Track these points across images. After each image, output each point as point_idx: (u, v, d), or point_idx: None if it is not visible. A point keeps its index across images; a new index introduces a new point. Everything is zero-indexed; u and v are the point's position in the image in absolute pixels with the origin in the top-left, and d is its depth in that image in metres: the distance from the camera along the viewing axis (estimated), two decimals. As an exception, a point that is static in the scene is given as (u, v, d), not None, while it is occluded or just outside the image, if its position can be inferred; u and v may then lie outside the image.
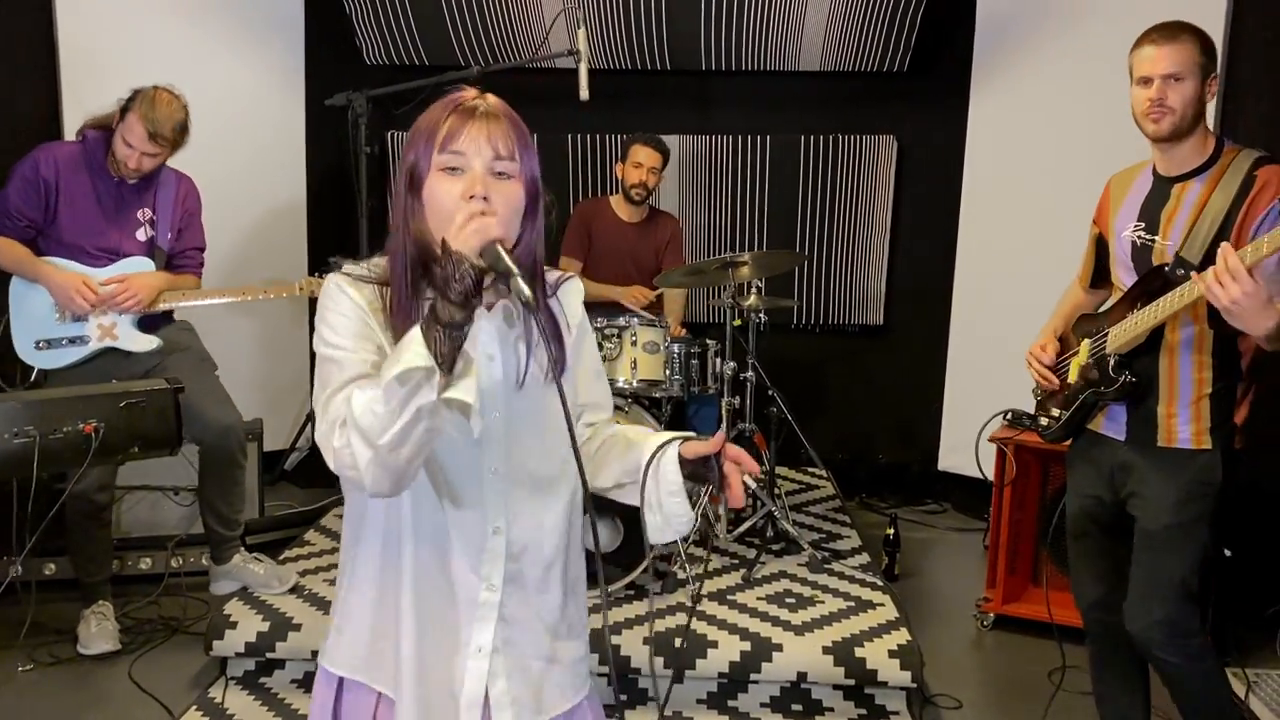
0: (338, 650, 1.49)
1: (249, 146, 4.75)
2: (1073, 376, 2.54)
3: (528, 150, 1.38)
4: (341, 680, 1.48)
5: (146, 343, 3.42)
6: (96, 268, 3.32)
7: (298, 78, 5.00)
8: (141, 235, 3.39)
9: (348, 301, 1.37)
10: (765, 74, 4.94)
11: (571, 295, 1.55)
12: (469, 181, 1.33)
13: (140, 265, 3.38)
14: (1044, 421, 2.65)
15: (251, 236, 4.82)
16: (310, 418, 4.93)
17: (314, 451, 5.09)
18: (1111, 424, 2.48)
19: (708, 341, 3.84)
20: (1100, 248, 2.61)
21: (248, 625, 3.14)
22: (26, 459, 1.95)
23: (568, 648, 1.53)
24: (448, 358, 1.23)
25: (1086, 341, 2.53)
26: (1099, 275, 2.64)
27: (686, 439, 1.43)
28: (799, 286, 5.06)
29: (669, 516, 1.43)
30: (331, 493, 4.54)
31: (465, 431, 1.34)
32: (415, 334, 1.23)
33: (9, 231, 3.26)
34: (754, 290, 3.84)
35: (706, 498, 3.77)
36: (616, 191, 4.33)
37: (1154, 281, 2.34)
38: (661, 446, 1.44)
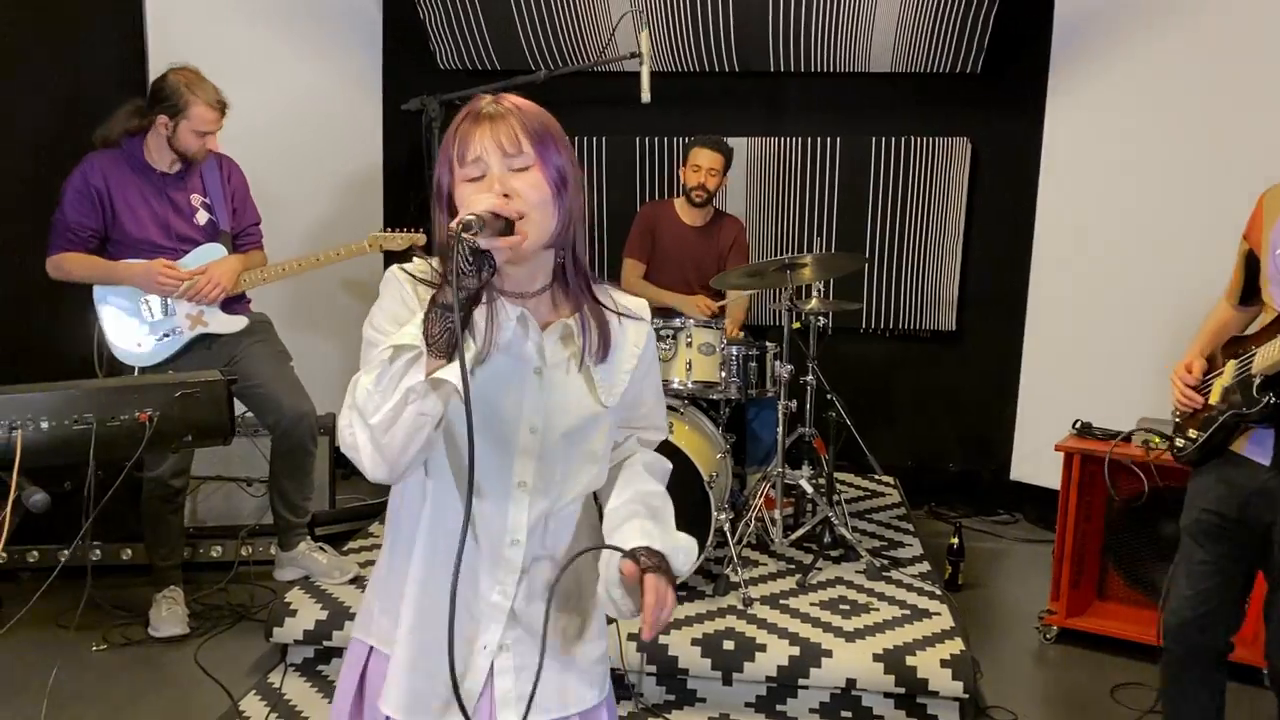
0: (369, 622, 1.54)
1: (328, 151, 4.88)
2: (1214, 397, 2.41)
3: (541, 140, 1.37)
4: (371, 649, 1.53)
5: (236, 323, 3.52)
6: (174, 261, 3.42)
7: (375, 83, 5.13)
8: (200, 219, 3.47)
9: (403, 294, 1.40)
10: (835, 75, 4.89)
11: (638, 330, 1.54)
12: (488, 183, 1.35)
13: (214, 252, 3.47)
14: (1179, 443, 2.53)
15: (329, 239, 4.94)
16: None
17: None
18: (1256, 447, 2.34)
19: (767, 344, 3.81)
20: (1250, 264, 2.45)
21: (307, 613, 3.22)
22: (84, 444, 2.03)
23: (583, 650, 1.55)
24: (439, 339, 1.25)
25: (1232, 362, 2.39)
26: (1249, 292, 2.48)
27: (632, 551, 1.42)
28: (869, 290, 5.00)
29: (615, 604, 1.43)
30: (400, 487, 4.63)
31: (509, 443, 1.37)
32: (416, 317, 1.27)
33: (75, 245, 3.33)
34: (815, 293, 3.81)
35: (761, 502, 3.76)
36: (681, 194, 4.33)
37: None
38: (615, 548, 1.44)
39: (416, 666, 1.45)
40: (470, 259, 1.25)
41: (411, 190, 4.94)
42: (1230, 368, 2.39)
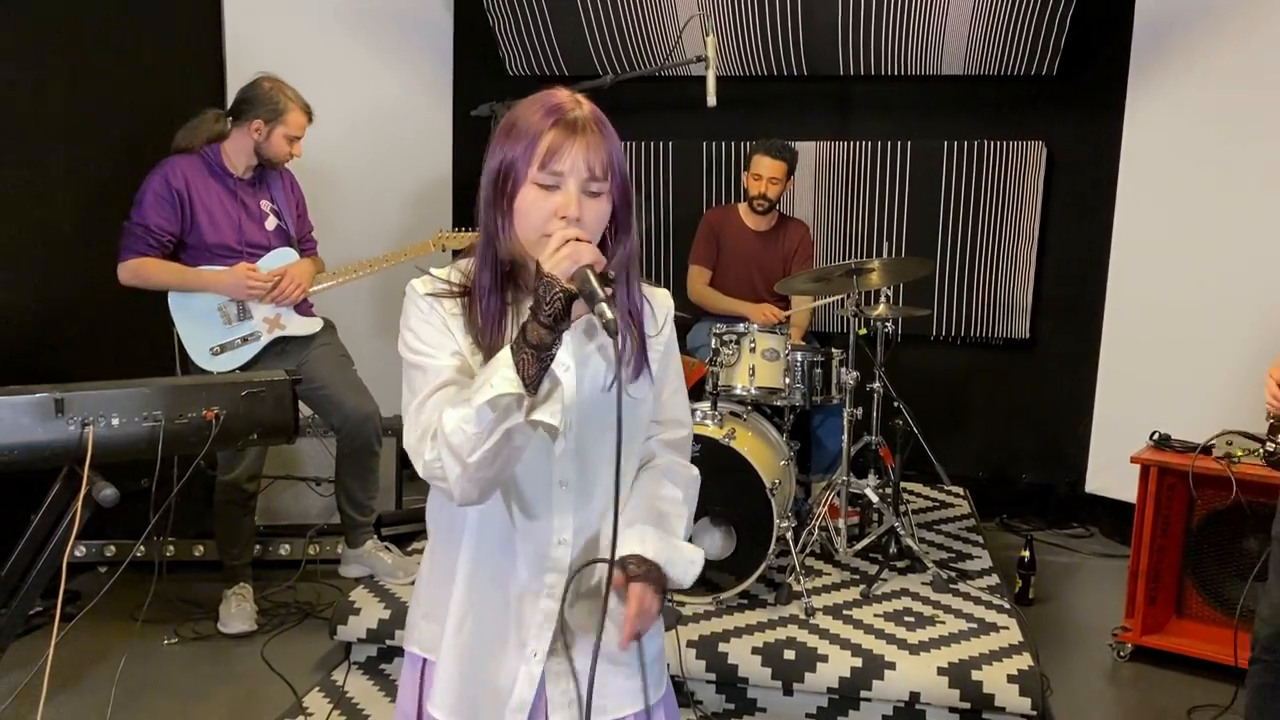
0: (414, 631, 1.55)
1: (399, 158, 4.95)
2: None
3: (618, 164, 1.38)
4: (424, 660, 1.53)
5: (312, 324, 3.59)
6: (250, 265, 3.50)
7: (446, 90, 5.18)
8: (270, 225, 3.53)
9: (427, 306, 1.41)
10: (905, 78, 4.82)
11: (661, 311, 1.55)
12: (564, 201, 1.34)
13: (288, 256, 3.54)
14: (1270, 447, 2.46)
15: (399, 244, 5.01)
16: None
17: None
18: None
19: (832, 350, 3.76)
20: None
21: (370, 612, 3.26)
22: (153, 441, 2.08)
23: (633, 651, 1.53)
24: (534, 379, 1.26)
25: None
26: None
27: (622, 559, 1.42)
28: (939, 297, 4.91)
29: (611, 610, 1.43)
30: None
31: (546, 444, 1.38)
32: (505, 356, 1.27)
33: (153, 250, 3.35)
34: (883, 299, 3.75)
35: (825, 511, 3.70)
36: (745, 199, 4.30)
37: None
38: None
39: (465, 673, 1.45)
40: (566, 308, 1.26)
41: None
42: None
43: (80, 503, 1.99)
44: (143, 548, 3.85)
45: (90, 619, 3.11)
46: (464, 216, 5.24)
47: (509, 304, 1.42)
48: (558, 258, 1.27)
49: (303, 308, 3.59)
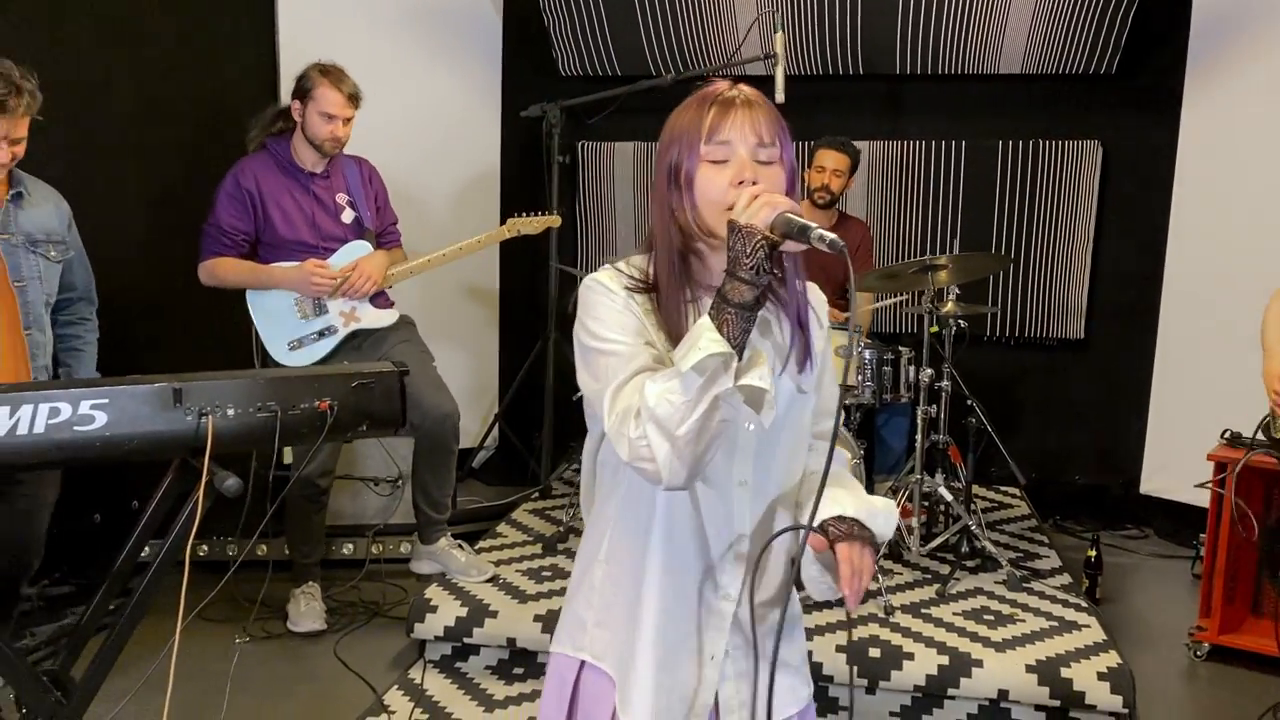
0: (581, 636, 1.50)
1: (447, 158, 4.93)
2: None
3: (786, 136, 1.38)
4: (582, 664, 1.50)
5: (387, 317, 3.58)
6: (322, 260, 3.48)
7: (495, 89, 5.17)
8: (347, 218, 3.53)
9: (622, 300, 1.37)
10: (961, 77, 4.81)
11: (817, 304, 1.53)
12: (737, 168, 1.33)
13: (362, 249, 3.53)
14: None
15: (446, 244, 5.00)
16: (497, 419, 5.07)
17: (500, 450, 5.23)
18: None
19: (900, 349, 3.75)
20: None
21: (447, 610, 3.24)
22: (269, 432, 2.06)
23: (792, 651, 1.54)
24: (739, 340, 1.23)
25: None
26: None
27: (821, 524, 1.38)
28: (993, 297, 4.89)
29: (812, 579, 1.41)
30: (518, 490, 4.66)
31: (729, 443, 1.35)
32: (705, 321, 1.24)
33: (228, 250, 3.40)
34: (951, 296, 3.74)
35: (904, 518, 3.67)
36: (805, 197, 4.29)
37: None
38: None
39: (660, 682, 1.43)
40: (768, 257, 1.24)
41: (527, 196, 4.96)
42: None
43: (201, 493, 1.97)
44: (206, 548, 3.85)
45: (154, 616, 3.09)
46: (511, 214, 5.21)
47: (688, 301, 1.39)
48: (755, 206, 1.25)
49: (380, 301, 3.58)
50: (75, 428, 1.93)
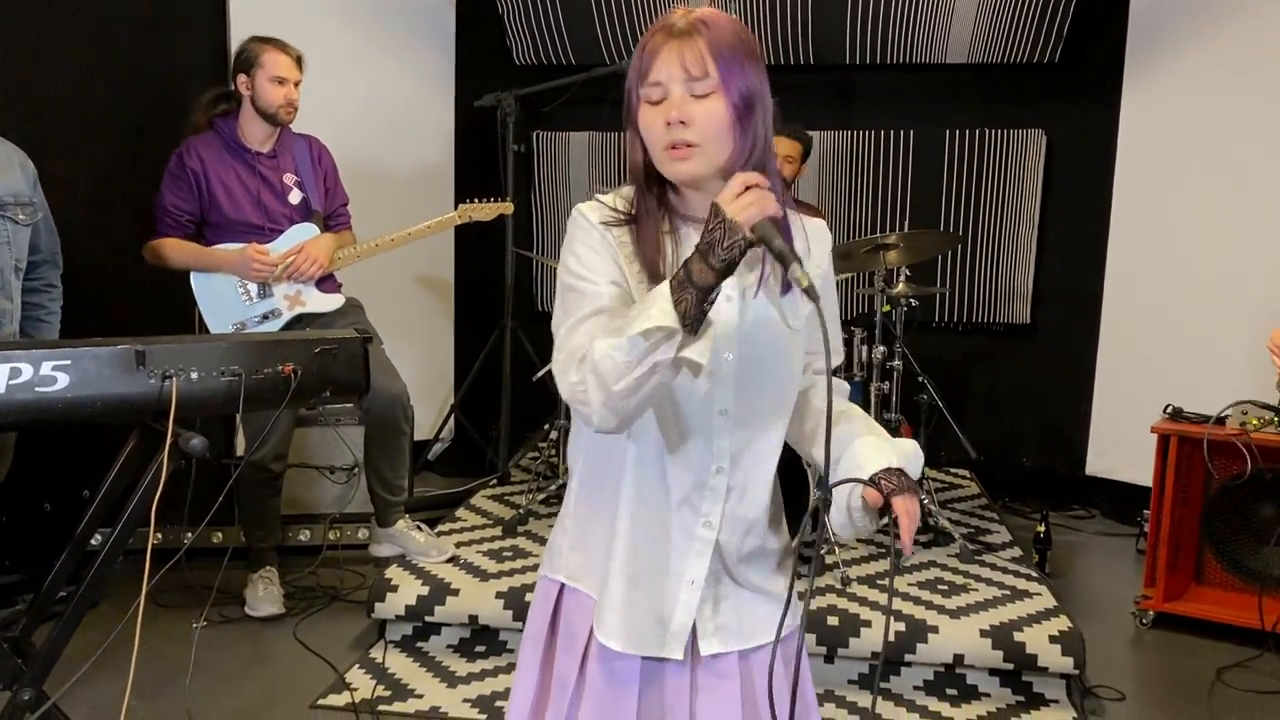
0: (558, 559, 1.54)
1: (400, 147, 4.92)
2: None
3: (727, 61, 1.33)
4: (562, 585, 1.53)
5: (333, 301, 3.57)
6: (268, 243, 3.46)
7: (449, 77, 5.17)
8: (294, 199, 3.52)
9: (598, 235, 1.40)
10: (910, 67, 4.90)
11: (819, 242, 1.53)
12: (666, 108, 1.34)
13: (308, 231, 3.51)
14: None
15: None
16: (453, 410, 5.06)
17: (456, 442, 5.21)
18: None
19: (853, 328, 3.81)
20: None
21: (408, 589, 3.24)
22: (233, 396, 2.06)
23: (776, 581, 1.55)
24: (694, 319, 1.25)
25: None
26: None
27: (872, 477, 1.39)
28: (942, 282, 4.98)
29: (854, 524, 1.42)
30: (475, 479, 4.65)
31: (691, 380, 1.36)
32: (664, 290, 1.26)
33: (172, 230, 3.39)
34: (902, 277, 3.81)
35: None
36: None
37: None
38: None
39: (631, 600, 1.45)
40: (742, 249, 1.26)
41: (483, 185, 4.97)
42: None
43: (165, 455, 1.96)
44: (159, 535, 3.79)
45: (110, 606, 3.05)
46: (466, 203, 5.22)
47: (666, 232, 1.42)
48: (742, 204, 1.25)
49: (326, 285, 3.57)
50: (37, 389, 1.92)
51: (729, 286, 1.41)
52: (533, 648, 1.55)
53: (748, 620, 1.51)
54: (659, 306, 1.24)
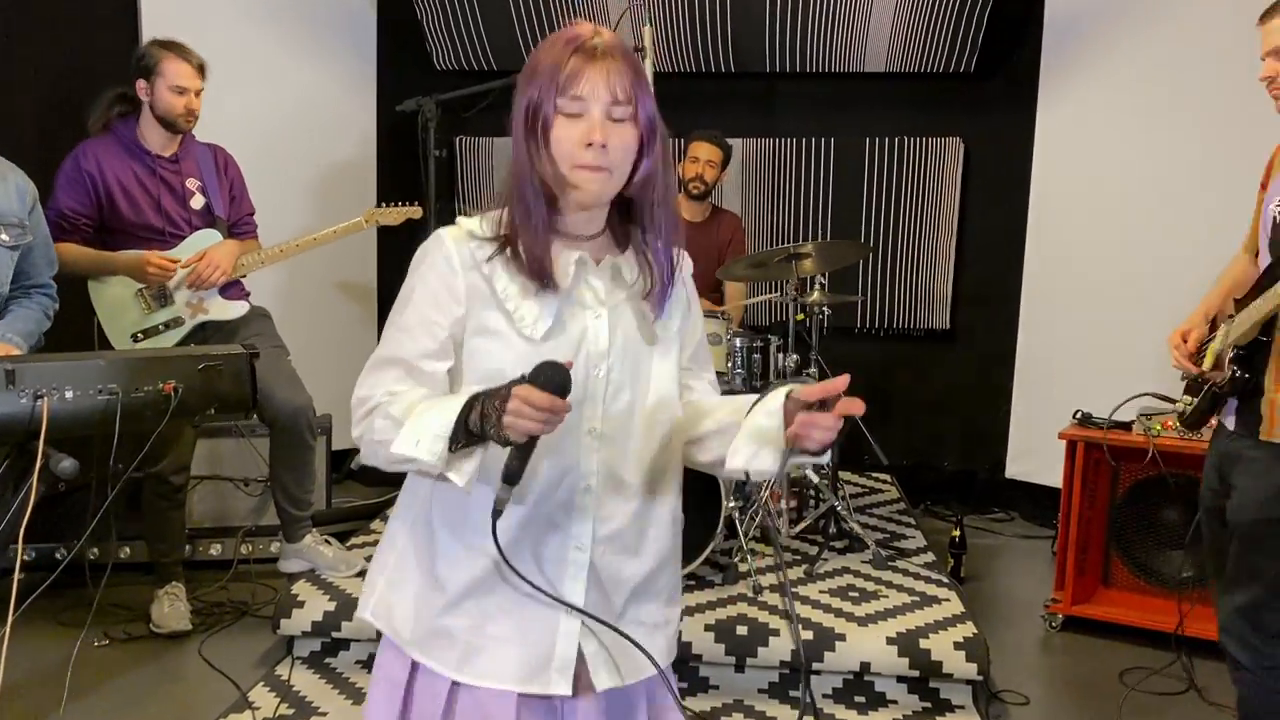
0: (397, 611, 1.48)
1: (321, 153, 4.86)
2: (1207, 363, 2.36)
3: (643, 90, 1.38)
4: (413, 667, 1.46)
5: (236, 309, 3.50)
6: (169, 249, 3.38)
7: (370, 82, 5.12)
8: (196, 204, 3.44)
9: (444, 267, 1.40)
10: (830, 76, 4.93)
11: (687, 274, 1.57)
12: (588, 128, 1.35)
13: (210, 238, 3.44)
14: (1179, 406, 2.53)
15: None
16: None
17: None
18: (1229, 412, 2.33)
19: (770, 336, 3.83)
20: None
21: (315, 605, 3.19)
22: (109, 414, 2.01)
23: (662, 613, 1.53)
24: (461, 459, 1.30)
25: (1224, 327, 2.34)
26: None
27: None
28: (862, 290, 5.03)
29: (762, 441, 1.39)
30: (398, 489, 4.59)
31: (575, 394, 1.33)
32: (444, 425, 1.26)
33: (69, 235, 3.27)
34: (818, 286, 3.83)
35: (767, 492, 3.75)
36: (680, 191, 4.35)
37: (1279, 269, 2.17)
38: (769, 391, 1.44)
39: (502, 634, 1.42)
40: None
41: (405, 190, 4.92)
42: (1221, 333, 2.33)
43: (36, 476, 1.91)
44: (64, 551, 3.70)
45: (12, 628, 2.97)
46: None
47: (550, 242, 1.42)
48: (509, 421, 1.22)
49: (231, 292, 3.50)
50: (-102, 410, 1.85)
51: (596, 302, 1.43)
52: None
53: (633, 652, 1.45)
54: (428, 443, 1.26)
